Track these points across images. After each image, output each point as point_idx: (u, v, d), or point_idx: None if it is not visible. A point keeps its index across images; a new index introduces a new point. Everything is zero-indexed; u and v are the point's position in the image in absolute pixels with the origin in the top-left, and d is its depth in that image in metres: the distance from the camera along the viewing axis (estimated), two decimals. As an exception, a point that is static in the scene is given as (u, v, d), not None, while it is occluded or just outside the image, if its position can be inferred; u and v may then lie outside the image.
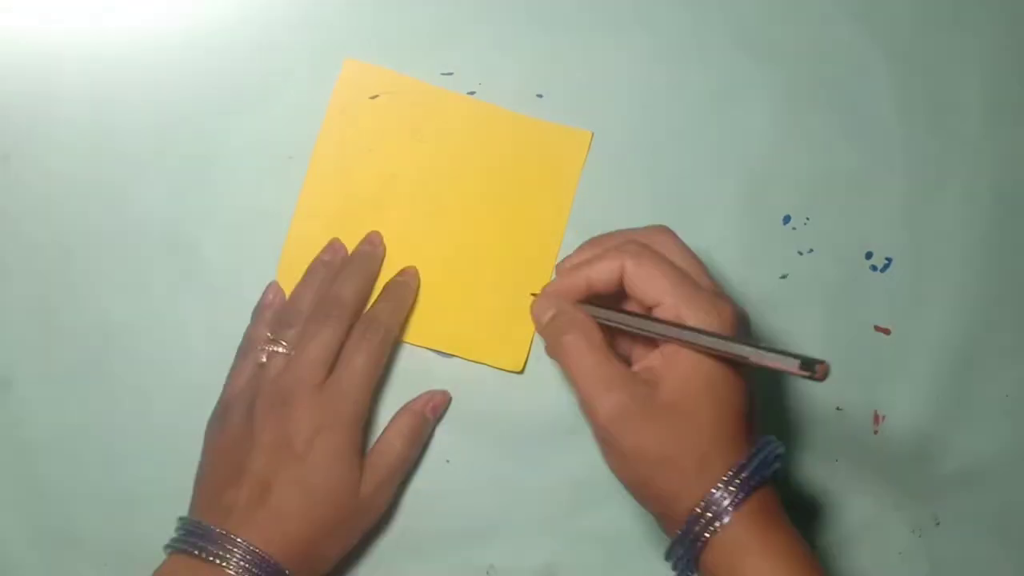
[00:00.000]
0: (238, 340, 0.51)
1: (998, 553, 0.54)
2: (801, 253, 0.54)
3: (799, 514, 0.52)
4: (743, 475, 0.40)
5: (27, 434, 0.52)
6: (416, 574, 0.52)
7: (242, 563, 0.44)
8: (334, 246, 0.52)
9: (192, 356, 0.52)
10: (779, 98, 0.54)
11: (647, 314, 0.43)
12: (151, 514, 0.51)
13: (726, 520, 0.40)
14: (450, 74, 0.53)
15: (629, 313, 0.44)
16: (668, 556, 0.43)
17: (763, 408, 0.53)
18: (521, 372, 0.53)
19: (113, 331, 0.52)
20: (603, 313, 0.45)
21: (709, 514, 0.40)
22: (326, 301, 0.50)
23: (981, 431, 0.54)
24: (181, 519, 0.47)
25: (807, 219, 0.54)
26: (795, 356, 0.36)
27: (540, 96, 0.53)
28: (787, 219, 0.54)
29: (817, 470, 0.54)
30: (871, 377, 0.54)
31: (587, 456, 0.53)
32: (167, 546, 0.46)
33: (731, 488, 0.40)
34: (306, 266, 0.52)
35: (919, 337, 0.54)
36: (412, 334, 0.52)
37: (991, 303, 0.55)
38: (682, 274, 0.43)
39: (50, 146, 0.52)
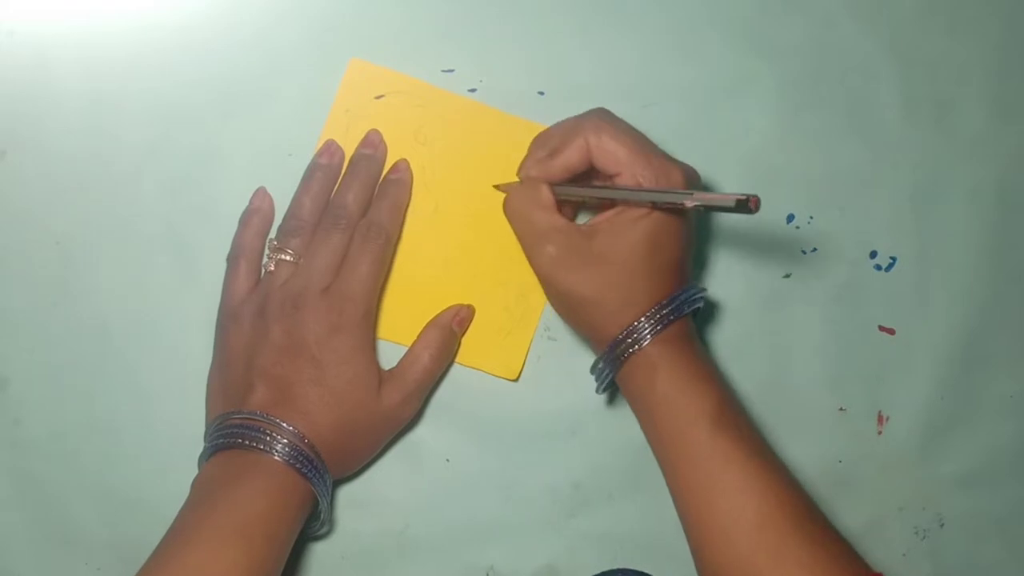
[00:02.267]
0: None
1: (1002, 555, 0.54)
2: (804, 252, 0.54)
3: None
4: (663, 311, 0.46)
5: (25, 433, 0.52)
6: (416, 575, 0.52)
7: (286, 448, 0.46)
8: (331, 148, 0.52)
9: (190, 355, 0.51)
10: (782, 96, 0.54)
11: (606, 184, 0.48)
12: (149, 513, 0.50)
13: (644, 344, 0.46)
14: (451, 71, 0.53)
15: (583, 186, 0.49)
16: (592, 370, 0.49)
17: (764, 408, 0.53)
18: (516, 380, 0.53)
19: (111, 330, 0.52)
20: (563, 189, 0.49)
21: (630, 340, 0.46)
22: (333, 210, 0.50)
23: (986, 432, 0.54)
24: (210, 423, 0.48)
25: (811, 218, 0.54)
26: (730, 195, 0.42)
27: (541, 94, 0.53)
28: (791, 218, 0.54)
29: (820, 471, 0.53)
30: (875, 378, 0.54)
31: (587, 457, 0.53)
32: (204, 451, 0.47)
33: (652, 320, 0.46)
34: None
35: (923, 337, 0.54)
36: (409, 336, 0.52)
37: (996, 303, 0.55)
38: (637, 143, 0.47)
39: (48, 144, 0.52)
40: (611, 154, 0.47)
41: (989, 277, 0.54)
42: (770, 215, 0.54)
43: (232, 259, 0.51)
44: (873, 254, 0.54)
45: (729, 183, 0.54)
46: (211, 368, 0.51)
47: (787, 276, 0.54)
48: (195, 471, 0.48)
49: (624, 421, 0.52)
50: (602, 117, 0.48)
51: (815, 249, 0.54)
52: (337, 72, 0.53)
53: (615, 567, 0.52)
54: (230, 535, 0.44)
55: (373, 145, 0.52)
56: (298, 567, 0.52)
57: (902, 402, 0.54)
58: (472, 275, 0.53)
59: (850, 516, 0.53)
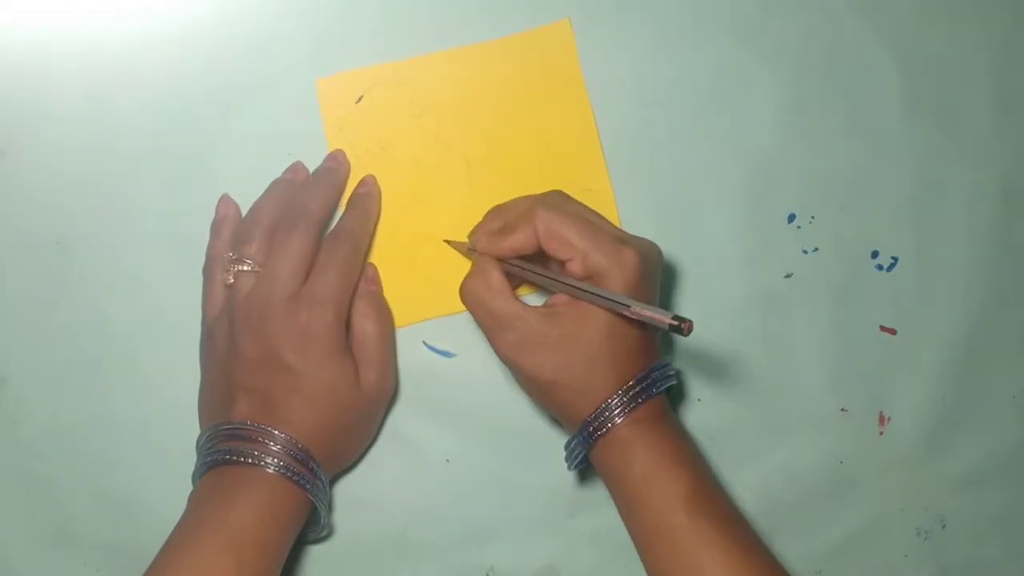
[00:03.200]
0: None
1: (1005, 556, 0.54)
2: (806, 252, 0.54)
3: (801, 515, 0.52)
4: (633, 391, 0.46)
5: (24, 433, 0.52)
6: (416, 575, 0.52)
7: (279, 460, 0.46)
8: (296, 166, 0.52)
9: (190, 353, 0.51)
10: (784, 95, 0.54)
11: (552, 271, 0.48)
12: (148, 514, 0.51)
13: (616, 424, 0.46)
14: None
15: (531, 270, 0.48)
16: (565, 447, 0.49)
17: (765, 408, 0.53)
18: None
19: (110, 329, 0.52)
20: (513, 268, 0.48)
21: (600, 420, 0.46)
22: (290, 211, 0.49)
23: (988, 432, 0.54)
24: (202, 438, 0.48)
25: (812, 218, 0.54)
26: (668, 312, 0.42)
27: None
28: (792, 217, 0.54)
29: (821, 471, 0.53)
30: (876, 378, 0.54)
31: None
32: (196, 470, 0.47)
33: (622, 401, 0.46)
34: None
35: (925, 337, 0.54)
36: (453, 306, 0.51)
37: (998, 303, 0.54)
38: (588, 228, 0.46)
39: (47, 142, 0.52)
40: (561, 241, 0.46)
41: (991, 277, 0.54)
42: (771, 215, 0.54)
43: (207, 271, 0.51)
44: (875, 254, 0.54)
45: (730, 183, 0.53)
46: (200, 389, 0.50)
47: (788, 276, 0.54)
48: (190, 470, 0.48)
49: (624, 421, 0.52)
50: (555, 202, 0.48)
51: (816, 249, 0.54)
52: (336, 71, 0.52)
53: (615, 568, 0.52)
54: (222, 546, 0.44)
55: (336, 160, 0.52)
56: (298, 568, 0.51)
57: (904, 402, 0.54)
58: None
59: (851, 517, 0.53)
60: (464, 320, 0.52)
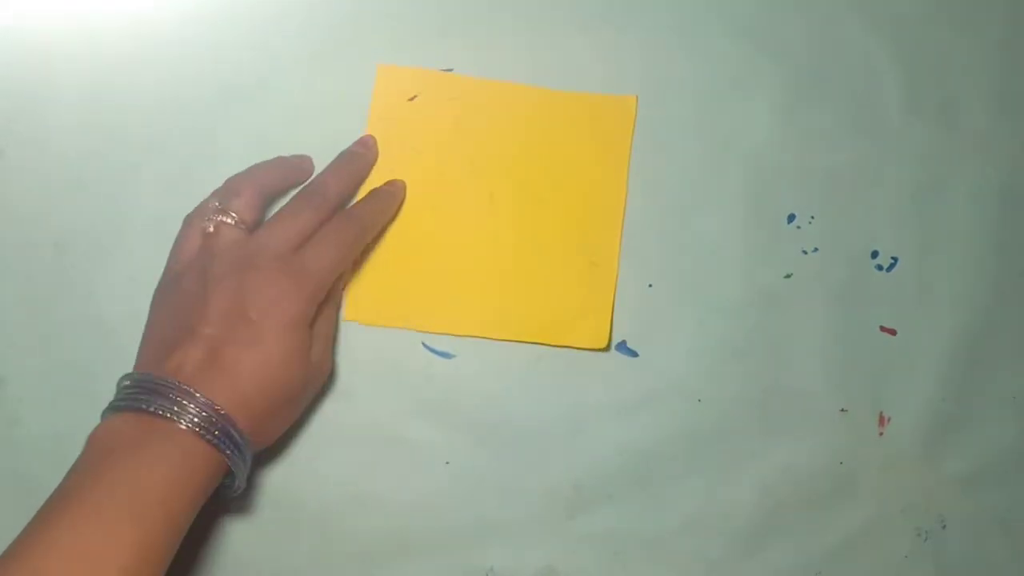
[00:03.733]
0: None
1: (1006, 556, 0.54)
2: (806, 252, 0.54)
3: (801, 516, 0.52)
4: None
5: (21, 434, 0.52)
6: (415, 576, 0.52)
7: (195, 419, 0.43)
8: (310, 160, 0.52)
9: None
10: (784, 94, 0.54)
11: None
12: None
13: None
14: (450, 70, 0.53)
15: None
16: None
17: (765, 409, 0.53)
18: (606, 349, 0.52)
19: (109, 329, 0.52)
20: None
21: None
22: (310, 188, 0.49)
23: (988, 433, 0.54)
24: (124, 376, 0.46)
25: (812, 218, 0.54)
26: None
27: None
28: (791, 218, 0.54)
29: (821, 472, 0.53)
30: (876, 378, 0.54)
31: (587, 458, 0.52)
32: (108, 407, 0.45)
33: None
34: (375, 281, 0.52)
35: (925, 338, 0.54)
36: (488, 328, 0.52)
37: (998, 303, 0.54)
38: None
39: (46, 142, 0.52)
40: None
41: (992, 277, 0.54)
42: (771, 215, 0.54)
43: (188, 219, 0.49)
44: (875, 254, 0.54)
45: (729, 182, 0.53)
46: (146, 326, 0.48)
47: (788, 276, 0.54)
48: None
49: (624, 422, 0.52)
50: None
51: (816, 249, 0.54)
52: (336, 70, 0.53)
53: (616, 569, 0.52)
54: (123, 512, 0.40)
55: (366, 145, 0.52)
56: (297, 569, 0.51)
57: (904, 403, 0.54)
58: (539, 256, 0.53)
59: (851, 517, 0.53)
60: (463, 320, 0.52)
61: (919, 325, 0.54)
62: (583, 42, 0.53)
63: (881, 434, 0.54)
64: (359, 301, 0.52)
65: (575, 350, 0.53)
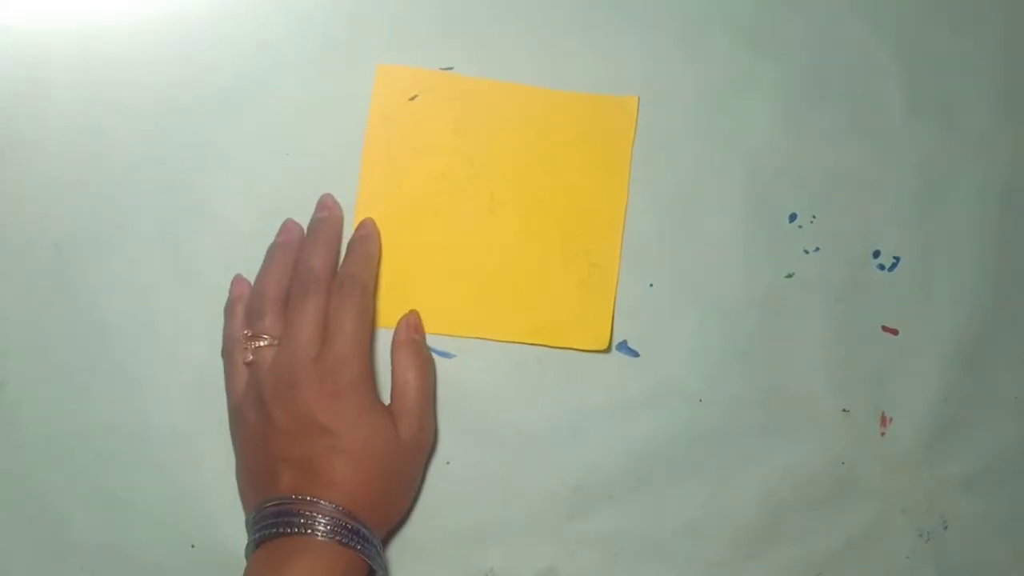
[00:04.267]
0: (234, 339, 0.51)
1: (1008, 557, 0.54)
2: (807, 252, 0.54)
3: (802, 516, 0.52)
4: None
5: (20, 435, 0.51)
6: (415, 577, 0.52)
7: (327, 526, 0.45)
8: (287, 226, 0.52)
9: (187, 356, 0.51)
10: (785, 94, 0.54)
11: None
12: (145, 517, 0.50)
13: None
14: (450, 68, 0.52)
15: None
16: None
17: (766, 409, 0.53)
18: (607, 350, 0.52)
19: (107, 331, 0.52)
20: None
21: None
22: (300, 278, 0.49)
23: (990, 433, 0.54)
24: (249, 518, 0.47)
25: (813, 217, 0.54)
26: None
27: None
28: (793, 217, 0.54)
29: (822, 472, 0.53)
30: (878, 378, 0.54)
31: (588, 459, 0.52)
32: (247, 549, 0.46)
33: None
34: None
35: (927, 337, 0.54)
36: (489, 330, 0.52)
37: (1000, 303, 0.54)
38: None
39: (45, 143, 0.52)
40: None
41: (994, 277, 0.54)
42: (772, 214, 0.54)
43: (225, 353, 0.50)
44: (876, 253, 0.54)
45: (731, 182, 0.53)
46: (236, 471, 0.50)
47: (789, 276, 0.54)
48: (191, 474, 0.48)
49: (625, 423, 0.52)
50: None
51: (818, 248, 0.54)
52: (335, 70, 0.52)
53: (616, 569, 0.52)
54: None
55: (327, 208, 0.52)
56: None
57: (906, 403, 0.54)
58: (539, 257, 0.52)
59: (853, 518, 0.53)
60: (463, 321, 0.52)
61: (921, 325, 0.54)
62: (584, 42, 0.53)
63: (883, 434, 0.54)
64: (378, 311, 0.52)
65: (576, 350, 0.52)
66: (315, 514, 0.45)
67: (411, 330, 0.52)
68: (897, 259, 0.54)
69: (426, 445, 0.51)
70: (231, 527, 0.47)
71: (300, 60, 0.52)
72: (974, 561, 0.54)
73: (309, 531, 0.45)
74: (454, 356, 0.53)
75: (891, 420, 0.54)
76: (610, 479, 0.52)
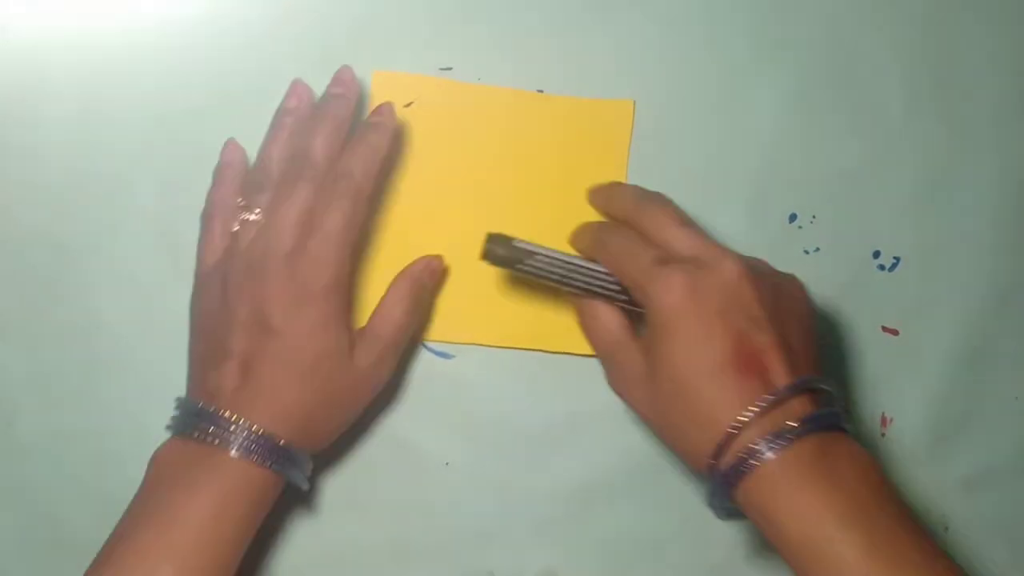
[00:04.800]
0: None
1: (1009, 559, 0.54)
2: (807, 252, 0.54)
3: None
4: (762, 421, 0.41)
5: (15, 435, 0.51)
6: (414, 580, 0.51)
7: (241, 443, 0.43)
8: (297, 89, 0.49)
9: (184, 355, 0.51)
10: (785, 93, 0.54)
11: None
12: (143, 518, 0.50)
13: (753, 464, 0.40)
14: (449, 68, 0.52)
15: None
16: (705, 496, 0.44)
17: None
18: None
19: (104, 332, 0.51)
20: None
21: (728, 458, 0.41)
22: (295, 159, 0.46)
23: (991, 434, 0.54)
24: (179, 399, 0.46)
25: (813, 217, 0.54)
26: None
27: (541, 91, 0.53)
28: (793, 217, 0.54)
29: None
30: (878, 379, 0.53)
31: (588, 460, 0.52)
32: (168, 426, 0.46)
33: (756, 435, 0.40)
34: (375, 290, 0.50)
35: (928, 338, 0.54)
36: (489, 336, 0.52)
37: (1001, 303, 0.54)
38: (627, 269, 0.45)
39: (41, 144, 0.52)
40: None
41: (995, 277, 0.54)
42: (772, 214, 0.54)
43: (205, 217, 0.48)
44: (876, 254, 0.54)
45: (731, 182, 0.53)
46: (189, 336, 0.48)
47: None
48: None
49: (625, 424, 0.52)
50: (611, 229, 0.48)
51: (817, 249, 0.54)
52: (332, 72, 0.52)
53: (617, 572, 0.52)
54: (163, 552, 0.42)
55: (344, 84, 0.48)
56: (295, 570, 0.51)
57: (906, 404, 0.53)
58: None
59: (854, 519, 0.53)
60: (463, 321, 0.51)
61: (921, 326, 0.54)
62: (584, 42, 0.53)
63: (883, 435, 0.53)
64: (360, 311, 0.51)
65: (577, 355, 0.52)
66: (230, 428, 0.43)
67: (426, 272, 0.50)
68: (897, 259, 0.54)
69: (378, 382, 0.49)
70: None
71: (299, 60, 0.52)
72: (975, 563, 0.53)
73: (223, 444, 0.43)
74: (453, 357, 0.52)
75: (891, 421, 0.54)
76: (611, 481, 0.52)
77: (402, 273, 0.50)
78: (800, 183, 0.53)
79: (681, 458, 0.45)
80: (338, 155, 0.47)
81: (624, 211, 0.48)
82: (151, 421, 0.51)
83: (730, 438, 0.40)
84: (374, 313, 0.49)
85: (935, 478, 0.53)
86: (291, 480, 0.46)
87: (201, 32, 0.52)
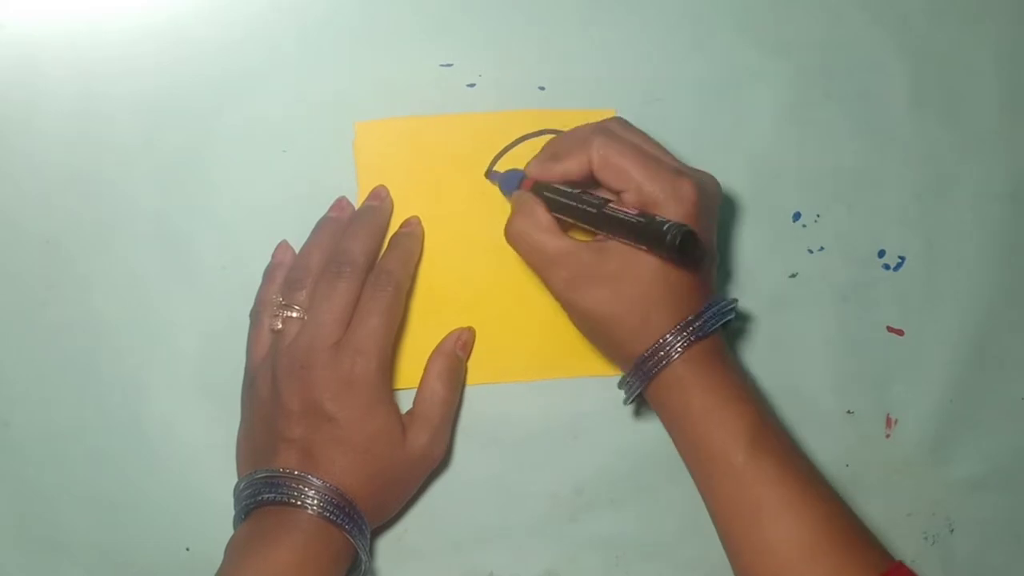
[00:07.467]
0: (229, 337, 0.50)
1: (1013, 560, 0.54)
2: (811, 251, 0.53)
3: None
4: (689, 328, 0.45)
5: (14, 435, 0.51)
6: (415, 580, 0.51)
7: (318, 501, 0.45)
8: (340, 203, 0.51)
9: (183, 353, 0.51)
10: (789, 93, 0.53)
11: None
12: (139, 517, 0.50)
13: (672, 361, 0.45)
14: (449, 65, 0.52)
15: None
16: (620, 384, 0.48)
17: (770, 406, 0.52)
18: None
19: (102, 328, 0.51)
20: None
21: (656, 357, 0.45)
22: (335, 258, 0.48)
23: (996, 435, 0.54)
24: (238, 483, 0.47)
25: (817, 216, 0.53)
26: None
27: (542, 88, 0.52)
28: (797, 216, 0.53)
29: (827, 474, 0.52)
30: (883, 379, 0.53)
31: (589, 461, 0.52)
32: (235, 516, 0.46)
33: (678, 337, 0.45)
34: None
35: (933, 338, 0.53)
36: (513, 372, 0.52)
37: (1006, 303, 0.54)
38: (644, 157, 0.46)
39: (38, 140, 0.51)
40: (616, 171, 0.46)
41: (999, 276, 0.54)
42: (776, 213, 0.53)
43: (254, 315, 0.50)
44: (881, 253, 0.53)
45: (735, 181, 0.53)
46: (239, 431, 0.50)
47: (793, 276, 0.53)
48: (184, 474, 0.48)
49: (626, 425, 0.52)
50: (613, 130, 0.47)
51: (822, 248, 0.53)
52: (332, 69, 0.52)
53: (617, 573, 0.51)
54: None
55: (379, 197, 0.51)
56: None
57: (911, 404, 0.53)
58: (544, 292, 0.50)
59: (858, 521, 0.53)
60: (463, 321, 0.51)
61: (927, 325, 0.53)
62: (585, 41, 0.53)
63: (888, 436, 0.53)
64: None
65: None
66: (306, 488, 0.45)
67: (459, 345, 0.51)
68: (902, 259, 0.54)
69: (433, 460, 0.50)
70: (226, 532, 0.47)
71: (297, 58, 0.52)
72: (979, 564, 0.53)
73: (299, 502, 0.45)
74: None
75: (896, 422, 0.53)
76: (611, 482, 0.52)
77: (436, 351, 0.51)
78: (804, 182, 0.53)
79: (611, 351, 0.48)
80: (374, 257, 0.50)
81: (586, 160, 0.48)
82: (148, 421, 0.51)
83: (663, 343, 0.45)
84: (417, 396, 0.50)
85: (940, 479, 0.53)
86: (357, 547, 0.46)
87: (199, 28, 0.52)
